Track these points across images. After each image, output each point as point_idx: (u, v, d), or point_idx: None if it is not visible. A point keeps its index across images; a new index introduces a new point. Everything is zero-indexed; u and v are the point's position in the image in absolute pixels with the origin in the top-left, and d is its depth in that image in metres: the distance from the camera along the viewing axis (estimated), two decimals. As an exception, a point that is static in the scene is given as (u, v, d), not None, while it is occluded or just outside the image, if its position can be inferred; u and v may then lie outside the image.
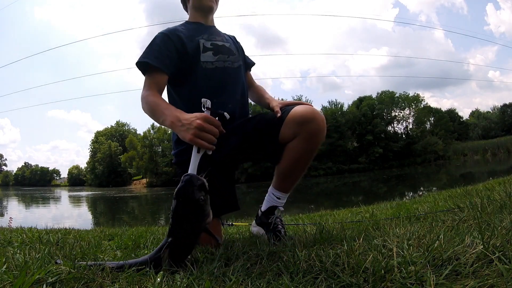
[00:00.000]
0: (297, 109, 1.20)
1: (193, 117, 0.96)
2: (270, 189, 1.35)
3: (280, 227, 1.32)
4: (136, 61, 1.25)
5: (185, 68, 1.29)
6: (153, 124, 41.08)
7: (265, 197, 1.39)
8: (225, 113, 1.02)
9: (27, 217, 10.92)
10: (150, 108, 1.17)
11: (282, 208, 1.34)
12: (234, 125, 1.29)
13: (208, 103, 0.99)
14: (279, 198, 1.33)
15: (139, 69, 1.27)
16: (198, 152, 0.95)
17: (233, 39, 1.53)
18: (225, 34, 1.49)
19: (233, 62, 1.38)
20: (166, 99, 1.32)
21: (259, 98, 1.55)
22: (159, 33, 1.31)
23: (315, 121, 1.17)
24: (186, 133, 0.96)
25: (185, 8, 1.50)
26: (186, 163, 0.98)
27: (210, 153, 0.97)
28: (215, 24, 1.48)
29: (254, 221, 1.50)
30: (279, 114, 1.22)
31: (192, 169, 0.92)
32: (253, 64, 1.61)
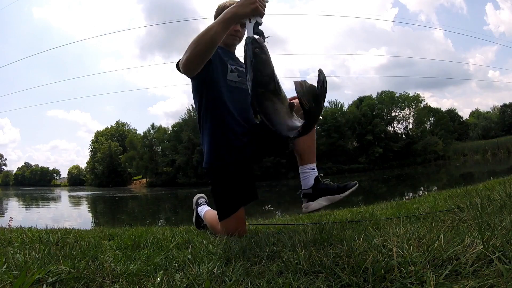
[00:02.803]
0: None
1: None
2: (302, 168, 1.53)
3: (330, 184, 1.51)
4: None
5: (214, 75, 1.53)
6: (153, 124, 41.20)
7: (301, 178, 1.53)
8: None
9: (27, 217, 10.92)
10: (207, 28, 1.32)
11: (314, 177, 1.51)
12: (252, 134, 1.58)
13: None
14: (313, 169, 1.53)
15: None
16: (249, 21, 1.27)
17: None
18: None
19: None
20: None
21: None
22: None
23: None
24: (249, 6, 1.24)
25: None
26: (218, 169, 1.54)
27: (261, 21, 1.27)
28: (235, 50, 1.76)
29: (306, 203, 1.53)
30: None
31: (250, 33, 1.25)
32: None
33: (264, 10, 1.29)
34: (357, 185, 1.48)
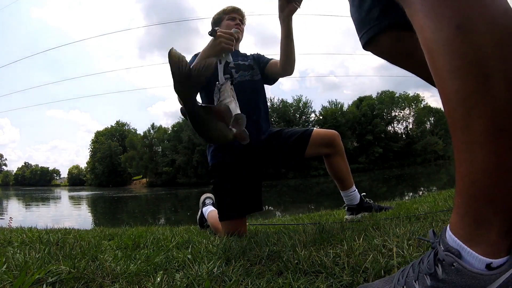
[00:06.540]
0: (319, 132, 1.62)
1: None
2: (345, 192, 1.71)
3: (372, 203, 1.77)
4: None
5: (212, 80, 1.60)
6: (153, 124, 41.30)
7: (346, 199, 1.72)
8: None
9: (27, 217, 10.92)
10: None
11: (358, 195, 1.71)
12: (267, 135, 1.64)
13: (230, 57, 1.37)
14: (355, 190, 1.70)
15: None
16: (220, 63, 1.33)
17: (254, 55, 1.79)
18: (247, 54, 1.78)
19: (253, 75, 1.69)
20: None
21: (281, 42, 1.63)
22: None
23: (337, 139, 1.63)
24: (217, 46, 1.29)
25: None
26: (219, 166, 1.58)
27: (230, 60, 1.34)
28: (239, 47, 1.78)
29: (350, 215, 1.74)
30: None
31: (220, 77, 1.29)
32: (270, 59, 1.79)
33: (234, 41, 1.32)
34: (392, 208, 1.82)
